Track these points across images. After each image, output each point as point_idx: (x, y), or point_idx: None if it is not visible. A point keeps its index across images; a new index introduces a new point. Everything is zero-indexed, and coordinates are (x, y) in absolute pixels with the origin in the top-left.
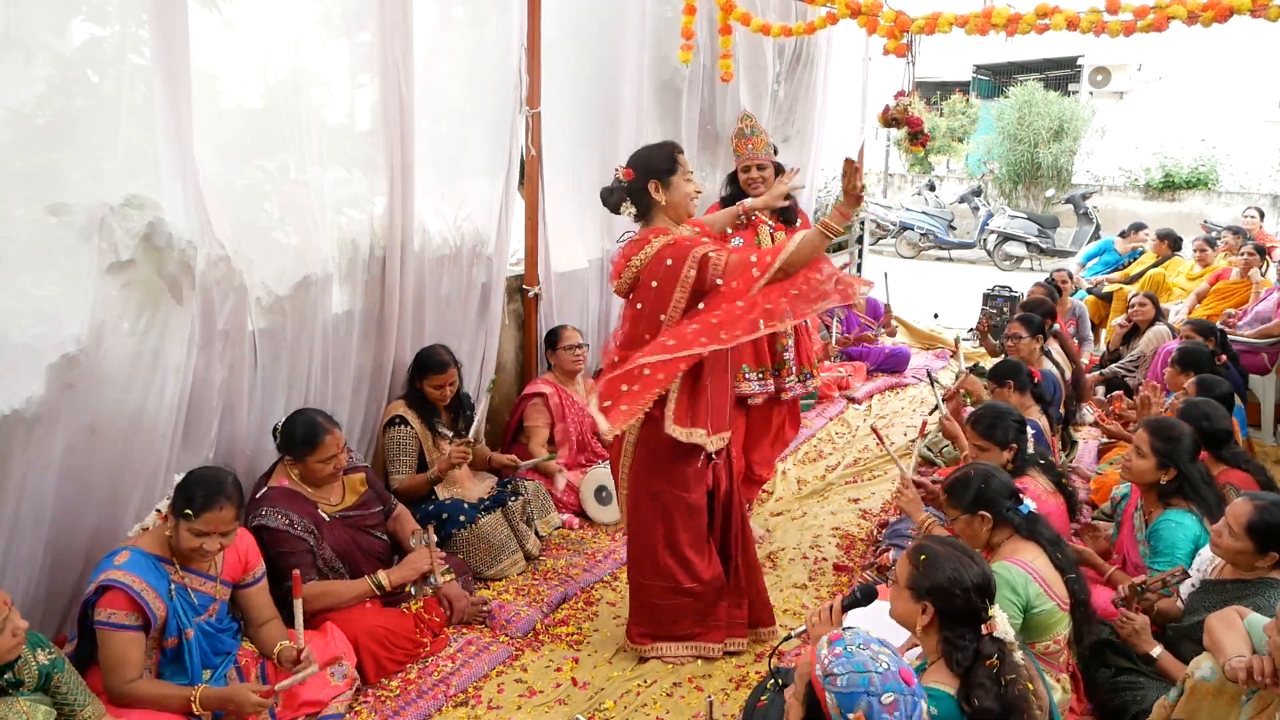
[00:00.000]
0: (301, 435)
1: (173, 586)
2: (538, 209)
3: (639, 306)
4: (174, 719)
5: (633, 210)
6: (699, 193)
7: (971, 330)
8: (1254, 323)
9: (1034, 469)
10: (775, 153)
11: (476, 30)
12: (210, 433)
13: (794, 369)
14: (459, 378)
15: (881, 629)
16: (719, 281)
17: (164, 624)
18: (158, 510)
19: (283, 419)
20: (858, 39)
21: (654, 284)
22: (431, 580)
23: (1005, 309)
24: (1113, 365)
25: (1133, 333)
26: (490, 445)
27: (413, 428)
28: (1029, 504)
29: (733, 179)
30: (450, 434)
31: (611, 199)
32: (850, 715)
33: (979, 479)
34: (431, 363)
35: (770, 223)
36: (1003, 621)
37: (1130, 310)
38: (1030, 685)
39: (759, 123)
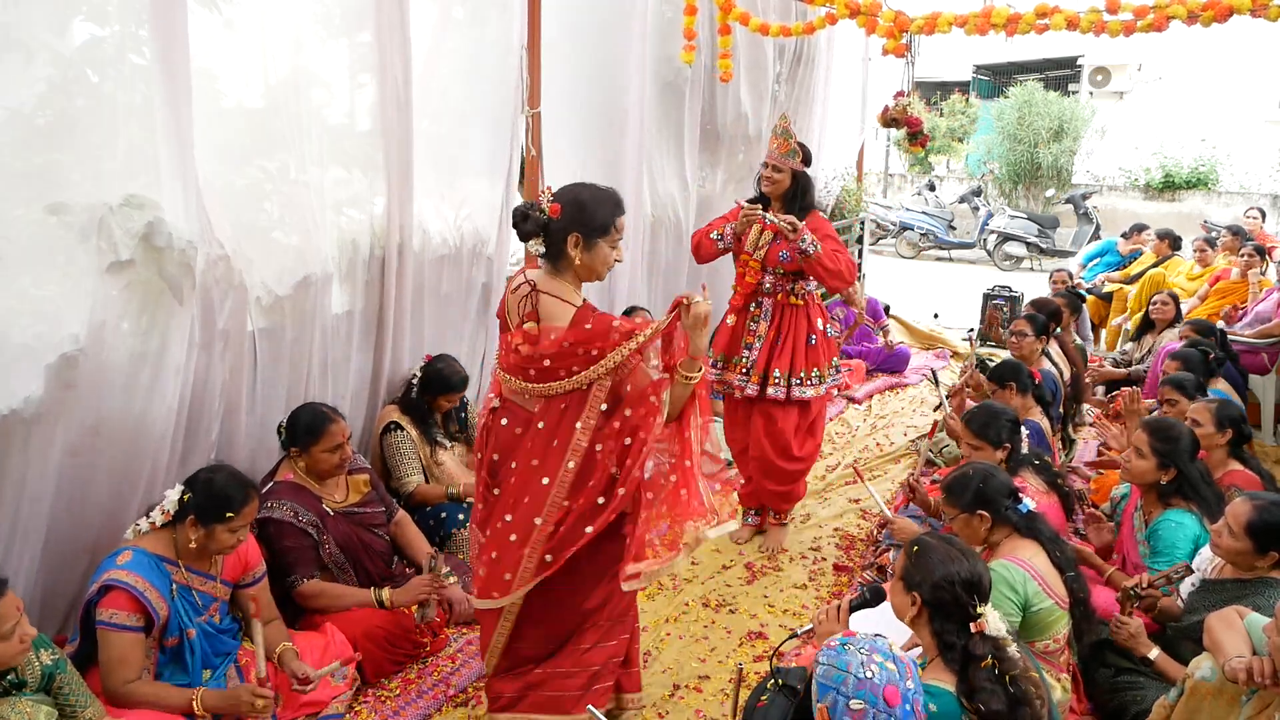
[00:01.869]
0: (307, 424)
1: (175, 586)
2: None
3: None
4: (173, 719)
5: (540, 249)
6: (619, 261)
7: (972, 330)
8: (1254, 323)
9: (1027, 469)
10: (806, 162)
11: (476, 30)
12: (210, 433)
13: (750, 370)
14: None
15: (888, 629)
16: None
17: (165, 623)
18: (150, 519)
19: (284, 418)
20: (857, 39)
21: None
22: (426, 610)
23: (1005, 309)
24: (1135, 367)
25: (1144, 329)
26: None
27: (409, 433)
28: (1028, 503)
29: (759, 175)
30: (449, 443)
31: (525, 226)
32: (818, 705)
33: (978, 478)
34: (453, 381)
35: (773, 218)
36: (994, 619)
37: (1152, 308)
38: (1035, 673)
39: (792, 127)
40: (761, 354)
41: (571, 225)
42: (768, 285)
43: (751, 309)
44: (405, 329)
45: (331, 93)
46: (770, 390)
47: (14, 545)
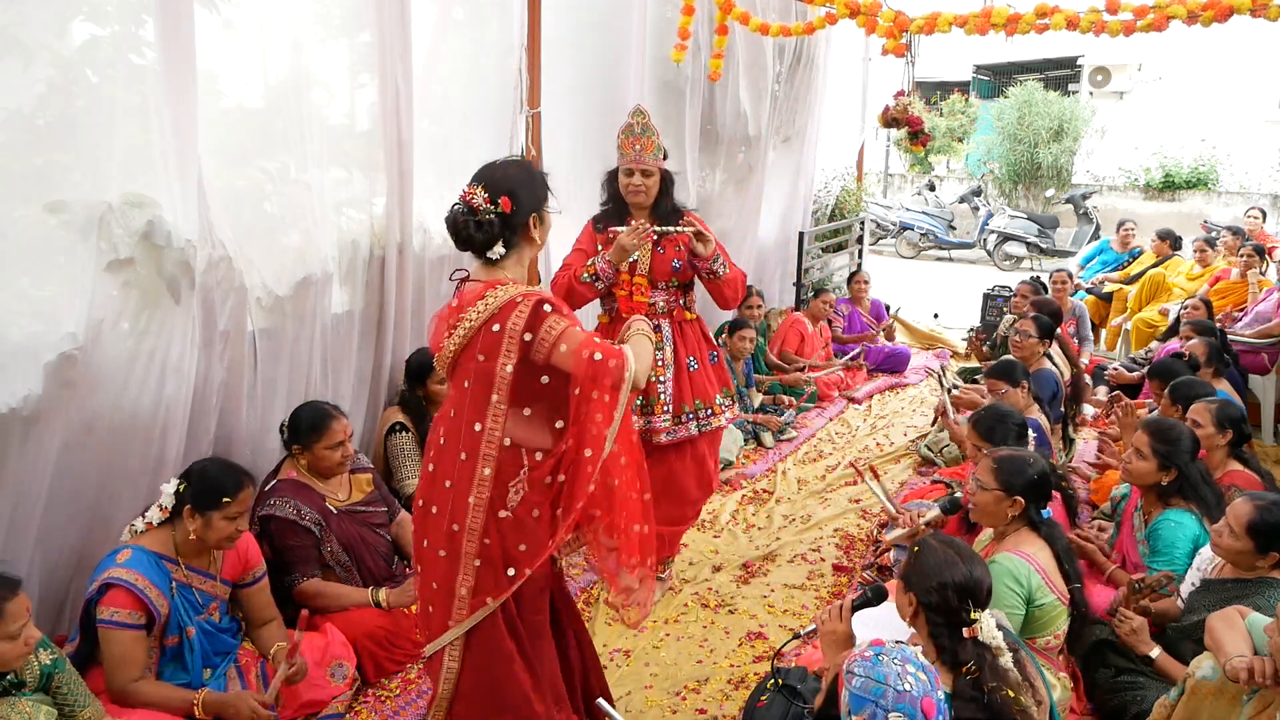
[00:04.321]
0: (309, 421)
1: (174, 584)
2: None
3: (465, 385)
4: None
5: (501, 251)
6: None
7: (971, 329)
8: (1254, 323)
9: None
10: (665, 157)
11: (477, 31)
12: (210, 433)
13: (670, 406)
14: None
15: (889, 629)
16: (553, 362)
17: (165, 621)
18: (146, 518)
19: (285, 418)
20: (857, 39)
21: (480, 356)
22: None
23: (1005, 309)
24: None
25: (1171, 332)
26: None
27: (412, 433)
28: (1048, 511)
29: (612, 178)
30: None
31: (479, 234)
32: (854, 718)
33: (1036, 469)
34: (430, 358)
35: (678, 230)
36: (989, 627)
37: (1184, 311)
38: (1012, 693)
39: (652, 120)
40: (676, 385)
41: (532, 206)
42: (661, 304)
43: None
44: (405, 329)
45: (331, 93)
46: (693, 427)
47: (11, 544)
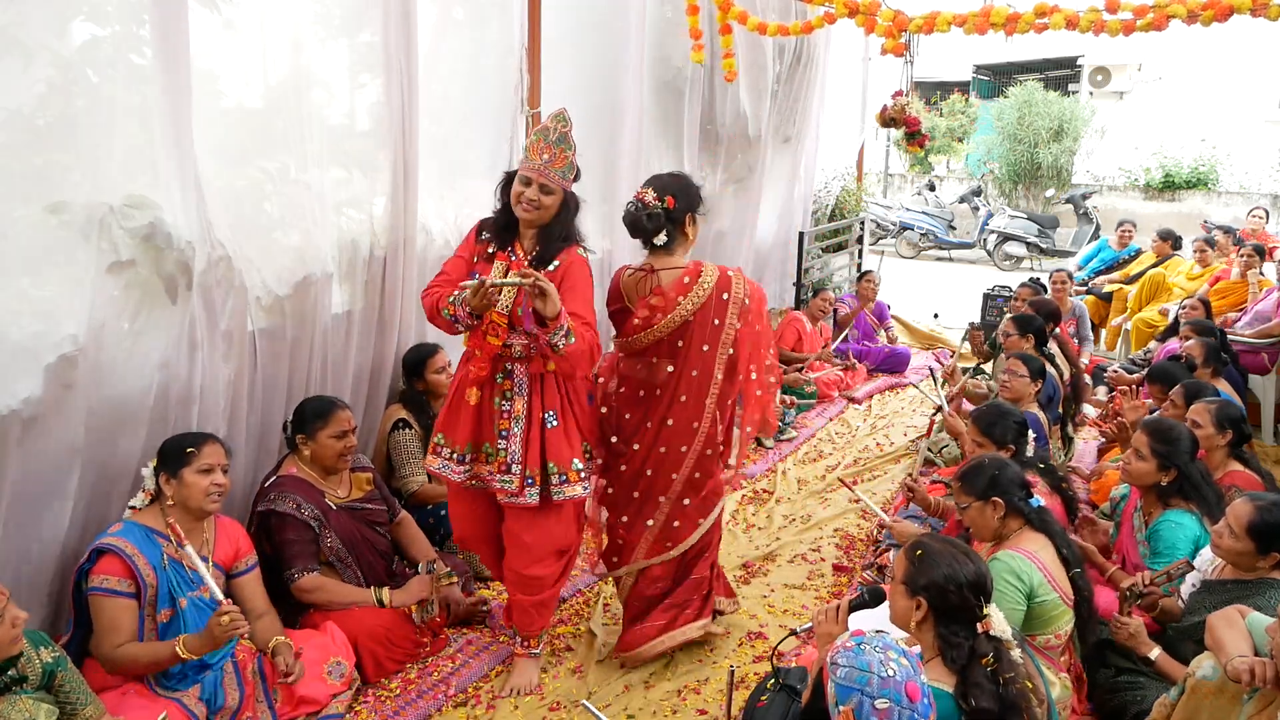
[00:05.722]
0: (314, 409)
1: (166, 558)
2: None
3: (705, 349)
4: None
5: (664, 239)
6: None
7: (970, 324)
8: (1254, 322)
9: (1032, 470)
10: (575, 178)
11: (477, 31)
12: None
13: (510, 465)
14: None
15: (886, 630)
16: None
17: (155, 593)
18: (131, 504)
19: (285, 418)
20: (857, 39)
21: (715, 321)
22: (427, 608)
23: (1005, 309)
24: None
25: (1170, 332)
26: None
27: (415, 430)
28: (1038, 499)
29: (509, 181)
30: None
31: (650, 223)
32: (841, 708)
33: (993, 467)
34: (423, 351)
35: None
36: (999, 620)
37: (1182, 311)
38: (1030, 683)
39: (571, 133)
40: (523, 442)
41: (688, 208)
42: (518, 349)
43: (499, 380)
44: (406, 329)
45: (332, 93)
46: (531, 494)
47: (10, 544)
